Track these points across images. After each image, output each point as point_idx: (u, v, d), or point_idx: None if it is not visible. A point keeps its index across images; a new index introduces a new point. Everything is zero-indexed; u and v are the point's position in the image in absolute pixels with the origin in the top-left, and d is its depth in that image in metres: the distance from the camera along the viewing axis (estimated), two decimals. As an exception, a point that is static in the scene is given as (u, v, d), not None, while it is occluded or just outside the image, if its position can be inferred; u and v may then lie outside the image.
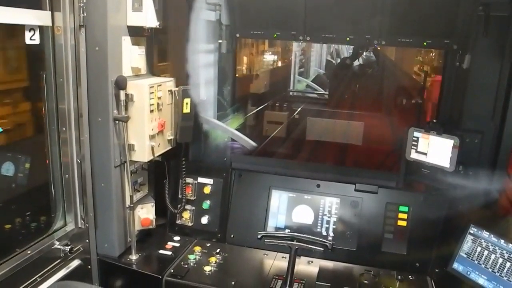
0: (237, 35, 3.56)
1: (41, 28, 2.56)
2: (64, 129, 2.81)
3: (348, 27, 3.24)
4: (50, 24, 2.61)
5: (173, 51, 4.09)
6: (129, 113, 2.86)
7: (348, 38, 3.29)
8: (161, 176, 3.36)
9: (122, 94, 2.78)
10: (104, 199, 2.96)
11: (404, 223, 3.17)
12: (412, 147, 3.17)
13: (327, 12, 3.21)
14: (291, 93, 9.35)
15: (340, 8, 3.17)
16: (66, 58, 2.69)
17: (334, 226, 3.26)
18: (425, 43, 3.17)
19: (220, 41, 3.56)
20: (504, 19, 2.95)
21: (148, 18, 2.81)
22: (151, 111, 2.89)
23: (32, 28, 2.46)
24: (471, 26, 3.02)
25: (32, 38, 2.47)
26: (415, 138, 3.15)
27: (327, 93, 9.01)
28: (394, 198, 3.22)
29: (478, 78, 3.13)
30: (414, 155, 3.17)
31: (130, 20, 2.83)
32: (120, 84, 2.75)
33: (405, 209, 3.18)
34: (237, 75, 4.55)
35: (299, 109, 7.12)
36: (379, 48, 7.64)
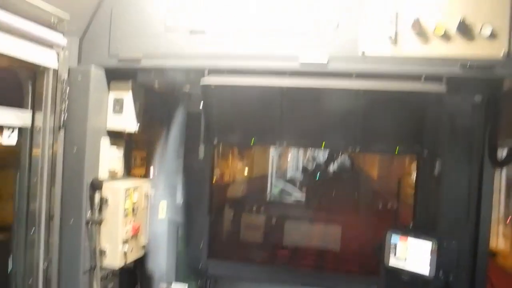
0: (215, 141, 3.61)
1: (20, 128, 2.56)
2: (33, 230, 2.69)
3: (323, 133, 3.35)
4: (29, 125, 2.62)
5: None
6: (103, 216, 2.78)
7: (323, 143, 3.38)
8: (133, 284, 3.18)
9: (97, 196, 2.74)
10: (70, 309, 2.75)
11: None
12: (391, 252, 3.12)
13: (303, 118, 3.33)
14: (268, 199, 9.33)
15: (315, 115, 3.30)
16: (42, 158, 2.66)
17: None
18: (396, 151, 3.28)
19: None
20: (469, 127, 3.11)
21: (128, 122, 2.87)
22: (126, 214, 2.83)
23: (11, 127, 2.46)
24: (438, 134, 3.16)
25: (9, 137, 2.46)
26: (394, 244, 3.11)
27: (304, 198, 9.01)
28: (376, 304, 3.10)
29: (449, 183, 3.20)
30: (393, 261, 3.11)
31: (110, 122, 2.88)
32: (96, 186, 2.72)
33: (388, 317, 3.05)
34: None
35: (276, 214, 7.05)
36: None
